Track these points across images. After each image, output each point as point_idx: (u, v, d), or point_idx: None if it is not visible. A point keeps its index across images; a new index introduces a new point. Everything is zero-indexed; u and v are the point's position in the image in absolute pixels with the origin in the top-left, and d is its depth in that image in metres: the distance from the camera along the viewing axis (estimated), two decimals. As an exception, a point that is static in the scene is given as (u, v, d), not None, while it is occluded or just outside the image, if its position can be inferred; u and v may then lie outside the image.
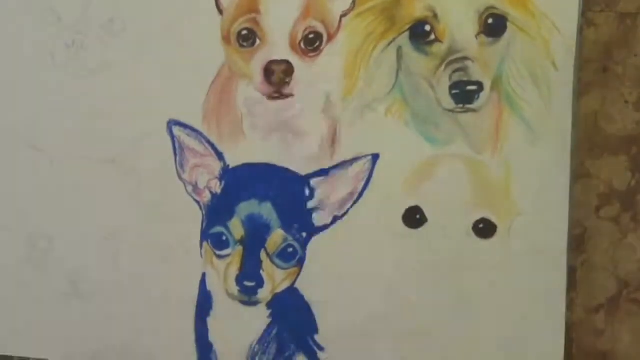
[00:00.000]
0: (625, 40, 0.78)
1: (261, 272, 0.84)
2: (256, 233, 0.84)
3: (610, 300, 0.81)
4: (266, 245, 0.84)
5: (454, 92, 0.78)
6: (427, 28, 0.78)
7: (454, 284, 0.81)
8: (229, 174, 0.85)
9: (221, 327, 0.86)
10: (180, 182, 0.86)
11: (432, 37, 0.78)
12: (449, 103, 0.79)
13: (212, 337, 0.86)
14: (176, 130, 0.85)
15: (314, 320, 0.84)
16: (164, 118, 0.85)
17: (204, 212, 0.86)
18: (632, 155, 0.80)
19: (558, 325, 0.79)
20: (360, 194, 0.82)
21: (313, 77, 0.81)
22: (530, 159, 0.78)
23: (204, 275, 0.86)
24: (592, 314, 0.82)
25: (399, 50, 0.79)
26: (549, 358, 0.79)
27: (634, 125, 0.79)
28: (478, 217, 0.80)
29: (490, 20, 0.77)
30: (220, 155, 0.85)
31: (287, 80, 0.82)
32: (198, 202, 0.86)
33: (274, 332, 0.85)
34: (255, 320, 0.85)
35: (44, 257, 0.90)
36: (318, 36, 0.81)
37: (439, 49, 0.78)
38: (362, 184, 0.82)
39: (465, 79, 0.78)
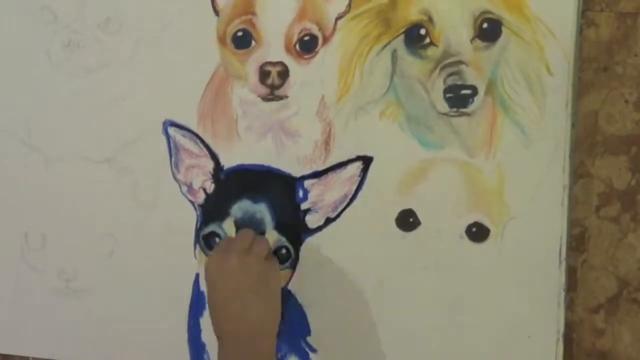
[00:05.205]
0: (625, 40, 0.78)
1: (254, 273, 0.84)
2: (250, 234, 0.83)
3: (610, 300, 0.81)
4: (260, 247, 0.84)
5: (448, 95, 0.78)
6: (422, 32, 0.78)
7: (446, 287, 0.81)
8: (223, 175, 0.85)
9: (214, 327, 0.87)
10: (175, 182, 0.86)
11: (427, 40, 0.78)
12: (443, 107, 0.78)
13: (205, 337, 0.87)
14: (171, 131, 0.85)
15: (307, 322, 0.84)
16: (159, 118, 0.86)
17: (198, 213, 0.86)
18: (632, 155, 0.79)
19: (552, 330, 0.79)
20: (354, 196, 0.82)
21: (308, 79, 0.81)
22: (523, 163, 0.78)
23: (197, 275, 0.86)
24: (592, 314, 0.81)
25: (394, 53, 0.79)
26: (542, 362, 0.80)
27: (634, 125, 0.79)
28: (471, 220, 0.80)
29: (485, 25, 0.77)
30: (214, 156, 0.85)
31: (281, 82, 0.82)
32: (192, 203, 0.86)
33: (267, 333, 0.85)
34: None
35: (38, 255, 0.90)
36: (313, 38, 0.81)
37: (433, 52, 0.78)
38: (356, 186, 0.81)
39: (459, 82, 0.78)
